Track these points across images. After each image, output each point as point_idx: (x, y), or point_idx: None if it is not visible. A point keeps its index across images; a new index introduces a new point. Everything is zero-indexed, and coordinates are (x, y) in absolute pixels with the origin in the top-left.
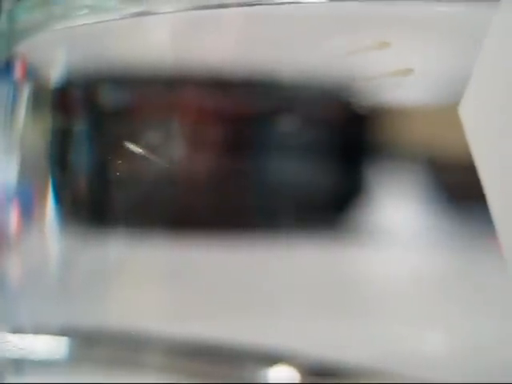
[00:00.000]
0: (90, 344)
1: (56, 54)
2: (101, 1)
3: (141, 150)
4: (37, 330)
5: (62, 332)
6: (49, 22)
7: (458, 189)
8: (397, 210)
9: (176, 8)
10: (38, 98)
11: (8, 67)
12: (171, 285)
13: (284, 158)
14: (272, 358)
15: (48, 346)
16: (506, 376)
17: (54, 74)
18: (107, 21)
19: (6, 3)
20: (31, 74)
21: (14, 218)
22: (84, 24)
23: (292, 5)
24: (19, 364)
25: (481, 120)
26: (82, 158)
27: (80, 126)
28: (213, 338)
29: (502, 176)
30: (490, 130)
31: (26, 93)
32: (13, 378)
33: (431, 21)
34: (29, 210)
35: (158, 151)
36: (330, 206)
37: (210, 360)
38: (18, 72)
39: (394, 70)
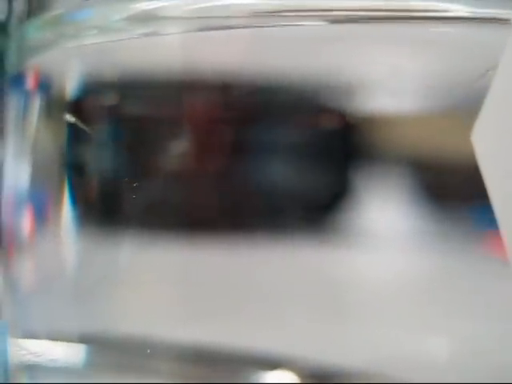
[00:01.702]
0: (103, 349)
1: (68, 65)
2: (110, 22)
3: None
4: (50, 335)
5: (75, 337)
6: (59, 40)
7: (444, 191)
8: (384, 213)
9: (183, 29)
10: (51, 106)
11: (20, 78)
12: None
13: (275, 160)
14: (269, 363)
15: (61, 352)
16: (502, 379)
17: (66, 83)
18: (116, 41)
19: (15, 18)
20: (43, 83)
21: (27, 222)
22: (94, 43)
23: (294, 27)
24: (32, 370)
25: (494, 147)
26: (95, 161)
27: (93, 132)
28: (212, 342)
29: None
30: (503, 157)
31: (37, 101)
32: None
33: (431, 39)
34: (42, 213)
35: (170, 155)
36: (318, 208)
37: (211, 364)
38: (30, 82)
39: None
